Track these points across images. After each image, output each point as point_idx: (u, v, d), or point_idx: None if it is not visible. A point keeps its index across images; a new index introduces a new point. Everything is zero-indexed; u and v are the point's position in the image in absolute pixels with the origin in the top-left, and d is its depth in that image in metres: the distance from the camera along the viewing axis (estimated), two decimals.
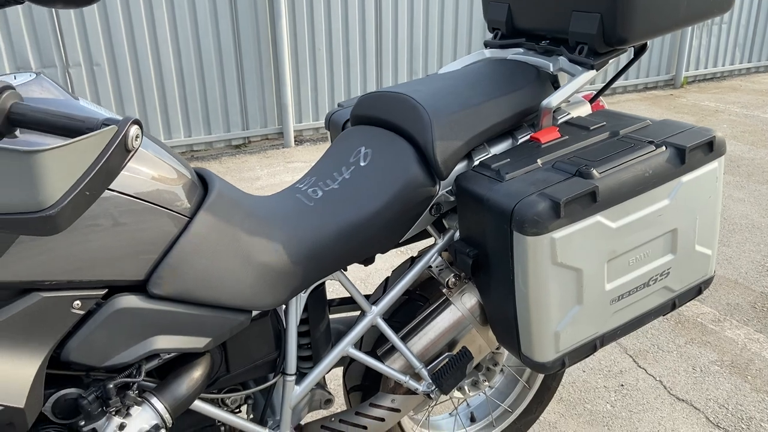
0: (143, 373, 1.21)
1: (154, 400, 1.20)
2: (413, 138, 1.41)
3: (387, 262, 3.17)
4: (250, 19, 5.01)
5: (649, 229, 1.32)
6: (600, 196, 1.23)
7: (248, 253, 1.26)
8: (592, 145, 1.40)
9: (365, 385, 1.67)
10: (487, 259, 1.35)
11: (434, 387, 1.48)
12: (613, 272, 1.31)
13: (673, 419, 2.20)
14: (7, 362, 1.01)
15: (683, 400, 2.29)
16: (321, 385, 1.58)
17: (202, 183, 1.29)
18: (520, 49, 1.67)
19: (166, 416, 1.20)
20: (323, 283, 1.48)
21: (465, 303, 1.51)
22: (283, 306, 1.42)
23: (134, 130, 0.87)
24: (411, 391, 1.54)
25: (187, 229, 1.17)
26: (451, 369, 1.43)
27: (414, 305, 1.61)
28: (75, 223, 1.04)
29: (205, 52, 4.98)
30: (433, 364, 1.50)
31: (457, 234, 1.47)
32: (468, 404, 2.02)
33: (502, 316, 1.37)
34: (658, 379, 2.42)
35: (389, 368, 1.49)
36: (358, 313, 1.67)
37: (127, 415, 1.17)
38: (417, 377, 1.52)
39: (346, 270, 1.48)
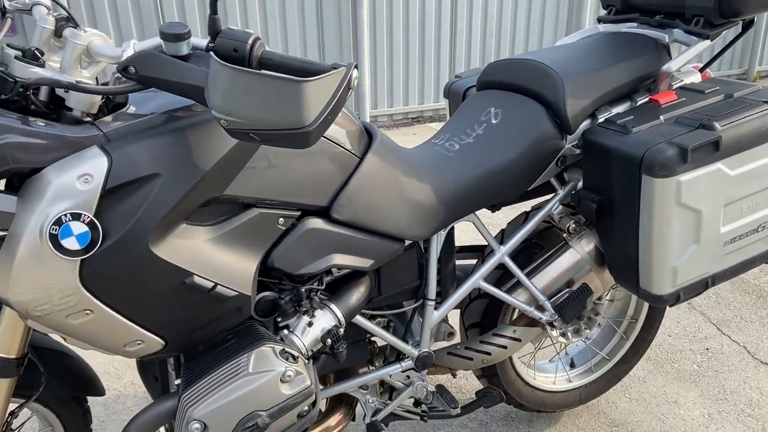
0: (324, 284, 1.45)
1: (333, 306, 1.44)
2: (544, 98, 1.60)
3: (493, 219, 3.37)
4: (333, 9, 5.27)
5: (763, 179, 1.48)
6: (722, 145, 1.40)
7: (404, 191, 1.49)
8: (708, 105, 1.56)
9: (483, 323, 1.88)
10: (611, 204, 1.53)
11: (557, 316, 1.68)
12: (728, 216, 1.48)
13: (758, 379, 2.33)
14: (237, 260, 1.26)
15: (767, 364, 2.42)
16: (444, 320, 1.80)
17: (366, 132, 1.53)
18: (634, 24, 1.85)
19: (342, 320, 1.44)
20: (452, 227, 1.69)
21: (583, 246, 1.70)
22: (423, 241, 1.64)
23: (355, 72, 1.10)
24: (531, 323, 1.74)
25: (359, 167, 1.40)
26: (572, 301, 1.63)
27: (530, 252, 1.81)
28: (281, 155, 1.29)
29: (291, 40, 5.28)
30: (555, 298, 1.70)
31: (579, 184, 1.66)
32: (567, 353, 2.20)
33: (622, 254, 1.55)
34: (741, 345, 2.54)
35: (516, 299, 1.70)
36: (472, 261, 1.89)
37: (313, 315, 1.41)
38: (540, 308, 1.72)
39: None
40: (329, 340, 1.38)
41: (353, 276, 1.53)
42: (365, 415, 1.68)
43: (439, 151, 1.67)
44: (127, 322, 1.18)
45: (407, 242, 1.54)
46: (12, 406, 1.42)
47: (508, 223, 1.89)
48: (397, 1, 5.44)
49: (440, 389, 1.71)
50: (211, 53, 1.03)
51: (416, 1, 5.48)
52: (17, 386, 1.38)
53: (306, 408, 1.31)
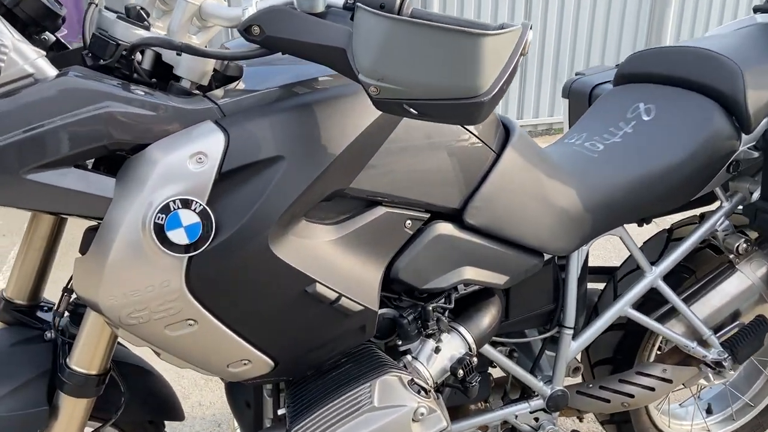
0: (453, 302, 1.22)
1: (462, 329, 1.20)
2: (715, 90, 1.35)
3: None
4: None
5: None
6: None
7: (546, 196, 1.25)
8: None
9: (616, 359, 1.61)
10: None
11: (726, 355, 1.40)
12: None
13: None
14: (362, 268, 1.04)
15: None
16: None
17: (503, 125, 1.30)
18: None
19: (473, 346, 1.20)
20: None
21: (755, 270, 1.42)
22: (557, 258, 1.39)
23: (530, 34, 0.87)
24: (684, 362, 1.46)
25: (496, 164, 1.18)
26: (747, 337, 1.35)
27: (679, 276, 1.54)
28: (414, 145, 1.07)
29: None
30: (722, 332, 1.42)
31: (755, 195, 1.38)
32: (700, 396, 1.90)
33: None
34: None
35: (672, 332, 1.43)
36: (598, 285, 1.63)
37: (439, 340, 1.17)
38: (703, 344, 1.44)
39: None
40: (460, 371, 1.14)
41: (481, 296, 1.29)
42: None
43: (580, 152, 1.43)
44: (235, 337, 0.96)
45: (546, 257, 1.30)
46: (87, 431, 1.23)
47: (645, 242, 1.62)
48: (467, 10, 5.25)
49: None
50: (358, 4, 0.82)
51: (477, 13, 5.28)
52: (94, 407, 1.19)
53: None
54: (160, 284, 0.89)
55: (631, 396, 1.46)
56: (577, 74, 1.87)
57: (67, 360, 1.07)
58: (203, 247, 0.89)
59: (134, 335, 0.94)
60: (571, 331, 1.38)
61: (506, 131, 1.26)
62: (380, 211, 1.06)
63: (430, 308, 1.15)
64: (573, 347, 1.40)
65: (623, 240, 1.41)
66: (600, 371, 1.63)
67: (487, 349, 1.32)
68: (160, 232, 0.87)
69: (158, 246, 0.87)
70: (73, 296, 1.14)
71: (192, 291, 0.91)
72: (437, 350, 1.16)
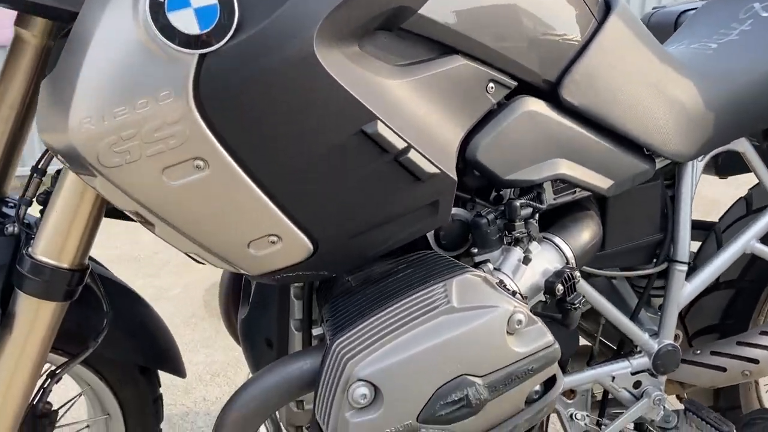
0: (545, 204, 0.93)
1: (557, 240, 0.91)
2: None
3: None
4: None
5: None
6: None
7: (658, 83, 0.98)
8: None
9: (724, 326, 1.29)
10: None
11: None
12: None
13: None
14: (436, 120, 0.75)
15: None
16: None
17: None
18: None
19: (572, 261, 0.90)
20: None
21: None
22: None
23: None
24: None
25: (598, 33, 0.91)
26: None
27: None
28: None
29: None
30: None
31: None
32: None
33: None
34: None
35: None
36: None
37: (527, 249, 0.87)
38: None
39: None
40: (559, 287, 0.83)
41: (573, 210, 1.00)
42: None
43: (691, 50, 1.16)
44: (261, 194, 0.68)
45: (658, 165, 1.01)
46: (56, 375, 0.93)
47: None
48: None
49: (693, 407, 1.10)
50: None
51: None
52: (66, 335, 0.90)
53: (537, 389, 0.76)
54: (157, 96, 0.61)
55: (756, 362, 1.14)
56: (654, 8, 1.62)
57: (30, 249, 0.79)
58: (221, 42, 0.61)
59: (119, 188, 0.66)
60: (685, 268, 1.07)
61: (606, 4, 0.99)
62: (457, 60, 0.79)
63: (518, 204, 0.86)
64: (687, 290, 1.08)
65: (746, 156, 1.12)
66: (701, 342, 1.31)
67: (584, 287, 1.01)
68: (158, 13, 0.60)
69: (156, 35, 0.60)
70: (45, 178, 0.87)
71: (202, 111, 0.63)
72: (526, 260, 0.85)
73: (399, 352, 0.68)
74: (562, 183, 0.96)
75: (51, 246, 0.78)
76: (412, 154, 0.71)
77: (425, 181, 0.73)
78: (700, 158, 1.08)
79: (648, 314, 1.15)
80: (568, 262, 0.89)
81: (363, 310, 0.75)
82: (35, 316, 0.79)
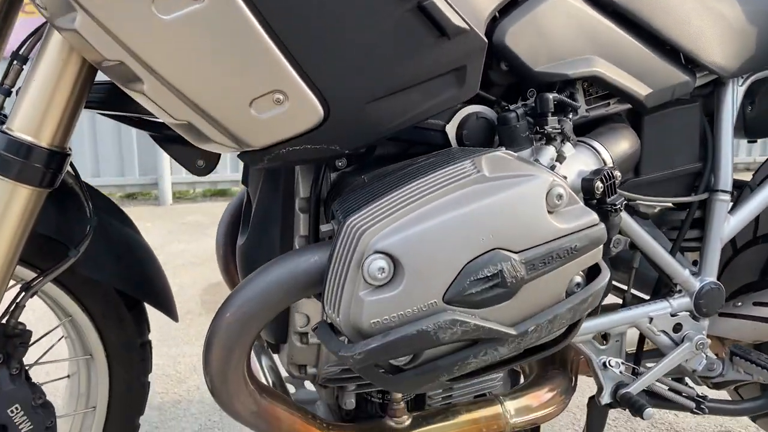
0: (582, 103, 0.84)
1: (595, 143, 0.82)
2: None
3: None
4: None
5: None
6: None
7: None
8: None
9: (764, 284, 1.18)
10: None
11: None
12: None
13: None
14: None
15: None
16: None
17: None
18: None
19: (609, 163, 0.80)
20: None
21: None
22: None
23: None
24: None
25: None
26: None
27: None
28: None
29: None
30: None
31: None
32: None
33: None
34: None
35: None
36: None
37: (560, 149, 0.78)
38: None
39: None
40: (598, 184, 0.74)
41: (607, 122, 0.91)
42: (601, 388, 0.97)
43: None
44: (266, 37, 0.59)
45: (698, 80, 0.93)
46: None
47: None
48: None
49: (740, 350, 0.99)
50: None
51: None
52: (43, 244, 0.80)
53: (579, 281, 0.66)
54: None
55: None
56: None
57: (5, 125, 0.70)
58: None
59: (103, 26, 0.58)
60: (728, 197, 0.98)
61: None
62: None
63: (550, 96, 0.77)
64: (731, 224, 0.99)
65: None
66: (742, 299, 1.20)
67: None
68: None
69: None
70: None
71: None
72: (560, 158, 0.76)
73: (422, 221, 0.59)
74: (596, 93, 0.88)
75: (28, 122, 0.69)
76: (440, 5, 0.63)
77: (452, 39, 0.65)
78: (740, 82, 0.99)
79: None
80: (605, 165, 0.80)
81: (380, 193, 0.66)
82: (9, 200, 0.69)
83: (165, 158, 4.33)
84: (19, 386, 0.80)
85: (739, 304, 1.08)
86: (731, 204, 1.00)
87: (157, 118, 0.84)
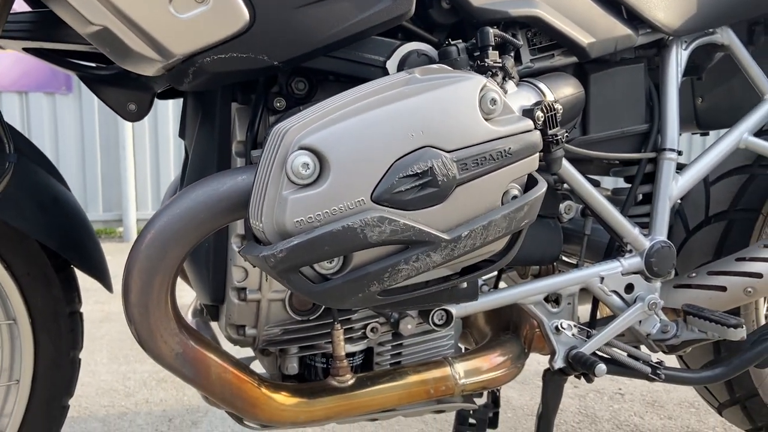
0: (527, 53, 0.83)
1: (539, 83, 0.81)
2: None
3: None
4: None
5: None
6: None
7: None
8: None
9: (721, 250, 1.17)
10: None
11: None
12: None
13: None
14: None
15: None
16: None
17: None
18: None
19: (550, 100, 0.79)
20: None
21: None
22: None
23: None
24: None
25: None
26: None
27: None
28: None
29: None
30: None
31: None
32: None
33: None
34: None
35: None
36: None
37: (502, 84, 0.77)
38: None
39: None
40: (539, 114, 0.72)
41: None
42: (554, 352, 0.94)
43: None
44: None
45: (639, 39, 0.94)
46: None
47: None
48: None
49: (693, 308, 0.97)
50: None
51: None
52: None
53: (516, 194, 0.63)
54: None
55: (759, 276, 1.02)
56: None
57: None
58: None
59: None
60: (675, 156, 0.97)
61: None
62: None
63: (491, 31, 0.76)
64: (680, 184, 0.98)
65: (731, 50, 1.04)
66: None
67: (569, 170, 0.90)
68: None
69: None
70: None
71: None
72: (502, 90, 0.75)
73: (349, 117, 0.56)
74: (539, 43, 0.88)
75: None
76: None
77: None
78: (684, 45, 1.01)
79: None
80: (544, 100, 0.79)
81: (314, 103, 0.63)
82: None
83: (130, 192, 4.24)
84: None
85: (694, 275, 1.07)
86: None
87: (85, 51, 0.81)
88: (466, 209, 0.58)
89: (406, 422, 1.60)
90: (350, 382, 0.84)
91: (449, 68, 0.65)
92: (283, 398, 0.78)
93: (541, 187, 0.63)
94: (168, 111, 4.32)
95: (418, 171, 0.55)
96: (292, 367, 0.90)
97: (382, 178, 0.55)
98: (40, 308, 0.90)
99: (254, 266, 0.72)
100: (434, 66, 0.64)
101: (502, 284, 1.04)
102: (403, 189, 0.55)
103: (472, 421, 1.19)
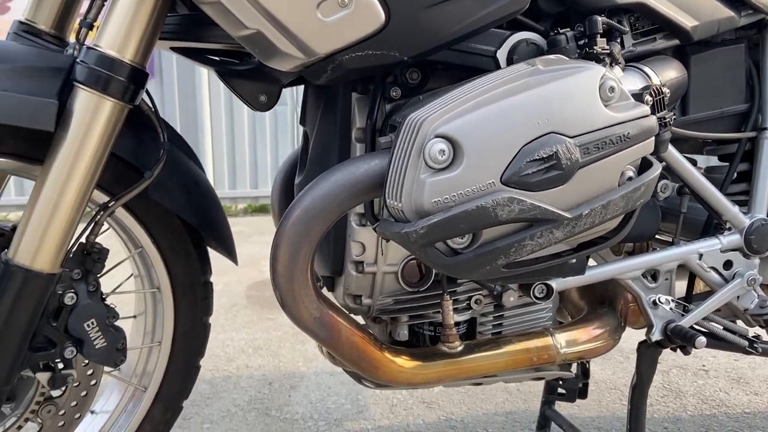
0: (631, 33, 0.87)
1: (645, 68, 0.84)
2: None
3: None
4: None
5: None
6: None
7: None
8: None
9: None
10: None
11: None
12: None
13: None
14: None
15: None
16: None
17: None
18: None
19: (657, 84, 0.83)
20: None
21: None
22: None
23: None
24: None
25: None
26: None
27: None
28: None
29: None
30: None
31: None
32: None
33: None
34: None
35: None
36: None
37: (610, 69, 0.81)
38: None
39: None
40: (648, 98, 0.77)
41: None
42: (651, 326, 0.98)
43: None
44: None
45: (741, 21, 0.95)
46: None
47: None
48: None
49: None
50: None
51: None
52: (117, 169, 0.86)
53: (631, 175, 0.68)
54: None
55: None
56: None
57: (93, 42, 0.77)
58: None
59: None
60: None
61: None
62: None
63: (599, 19, 0.80)
64: None
65: None
66: None
67: (673, 154, 0.93)
68: None
69: None
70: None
71: None
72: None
73: (480, 107, 0.62)
74: (642, 27, 0.91)
75: (113, 39, 0.76)
76: None
77: None
78: None
79: None
80: (652, 82, 0.83)
81: (438, 97, 0.70)
82: (95, 112, 0.76)
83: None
84: (95, 302, 0.86)
85: None
86: None
87: (224, 49, 0.90)
88: (586, 190, 0.64)
89: (492, 393, 1.68)
90: (459, 348, 0.91)
91: (565, 58, 0.70)
92: (402, 361, 0.87)
93: (656, 169, 0.68)
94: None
95: (544, 155, 0.61)
96: (403, 333, 0.98)
97: (510, 162, 0.62)
98: (180, 278, 1.01)
99: (387, 240, 0.80)
100: (552, 56, 0.69)
101: (591, 261, 1.08)
102: (530, 172, 0.61)
103: (561, 390, 1.26)
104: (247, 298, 2.67)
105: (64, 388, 0.91)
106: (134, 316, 1.09)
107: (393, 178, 0.66)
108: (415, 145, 0.63)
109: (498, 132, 0.61)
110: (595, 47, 0.80)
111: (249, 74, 0.90)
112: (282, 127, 4.76)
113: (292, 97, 4.66)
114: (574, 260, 0.77)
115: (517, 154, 0.62)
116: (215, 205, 1.02)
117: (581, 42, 0.81)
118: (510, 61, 0.82)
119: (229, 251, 1.05)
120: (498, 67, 0.82)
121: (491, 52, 0.82)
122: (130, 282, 1.07)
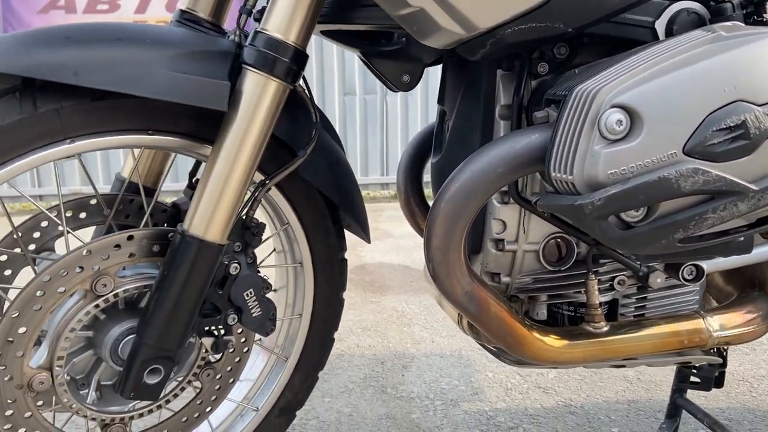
0: None
1: None
2: None
3: None
4: None
5: None
6: None
7: None
8: None
9: None
10: None
11: None
12: None
13: None
14: None
15: None
16: None
17: None
18: None
19: None
20: None
21: None
22: None
23: None
24: None
25: None
26: None
27: None
28: None
29: None
30: None
31: None
32: None
33: None
34: None
35: None
36: None
37: None
38: None
39: None
40: None
41: None
42: None
43: None
44: None
45: None
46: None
47: None
48: None
49: None
50: None
51: None
52: (273, 148, 0.90)
53: None
54: None
55: None
56: None
57: (260, 26, 0.81)
58: None
59: None
60: None
61: None
62: None
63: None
64: None
65: None
66: None
67: None
68: None
69: None
70: None
71: None
72: None
73: (660, 76, 0.61)
74: None
75: (278, 21, 0.79)
76: None
77: None
78: None
79: None
80: None
81: (604, 68, 0.68)
82: (261, 93, 0.80)
83: None
84: (253, 273, 0.91)
85: None
86: None
87: (370, 30, 0.93)
88: None
89: (610, 380, 1.63)
90: (605, 328, 0.90)
91: (743, 25, 0.66)
92: (550, 340, 0.86)
93: None
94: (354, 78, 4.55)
95: (731, 125, 0.59)
96: (542, 313, 0.98)
97: (694, 132, 0.60)
98: (320, 254, 1.05)
99: (550, 214, 0.79)
100: (728, 24, 0.66)
101: None
102: (715, 142, 0.59)
103: (694, 379, 1.21)
104: (349, 281, 2.73)
105: (221, 354, 0.97)
106: (275, 290, 1.15)
107: (560, 150, 0.65)
108: (589, 116, 0.62)
109: (681, 101, 0.60)
110: (765, 14, 0.76)
111: (393, 55, 0.92)
112: (372, 116, 4.80)
113: (382, 87, 4.68)
114: (742, 238, 0.73)
115: (701, 123, 0.60)
116: (354, 185, 1.05)
117: (748, 10, 0.77)
118: (669, 32, 0.80)
119: (365, 230, 1.07)
120: (656, 38, 0.80)
121: (649, 22, 0.80)
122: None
